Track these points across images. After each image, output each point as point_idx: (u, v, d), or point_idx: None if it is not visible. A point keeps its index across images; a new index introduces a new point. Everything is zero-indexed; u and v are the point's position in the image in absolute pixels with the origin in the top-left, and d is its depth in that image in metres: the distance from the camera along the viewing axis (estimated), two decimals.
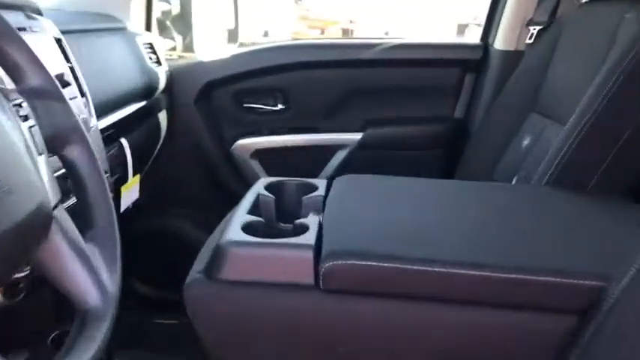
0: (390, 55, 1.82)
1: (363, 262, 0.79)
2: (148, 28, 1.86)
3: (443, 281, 0.79)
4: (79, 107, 1.09)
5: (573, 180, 1.18)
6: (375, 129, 1.84)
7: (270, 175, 1.88)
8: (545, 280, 0.78)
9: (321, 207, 1.03)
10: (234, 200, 1.91)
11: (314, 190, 1.10)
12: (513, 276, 0.78)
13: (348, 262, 0.79)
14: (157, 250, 1.90)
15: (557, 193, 1.11)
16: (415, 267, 0.78)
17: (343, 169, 1.85)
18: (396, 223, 0.91)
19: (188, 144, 1.84)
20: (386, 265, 0.78)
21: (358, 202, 1.01)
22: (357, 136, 1.84)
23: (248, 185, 1.90)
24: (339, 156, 1.86)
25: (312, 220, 0.93)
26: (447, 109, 1.89)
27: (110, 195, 0.66)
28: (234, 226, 0.89)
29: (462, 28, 6.61)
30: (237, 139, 1.86)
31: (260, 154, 1.87)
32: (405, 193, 1.08)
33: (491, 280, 0.78)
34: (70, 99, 1.07)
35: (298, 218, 1.06)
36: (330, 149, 1.86)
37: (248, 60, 1.84)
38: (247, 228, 0.90)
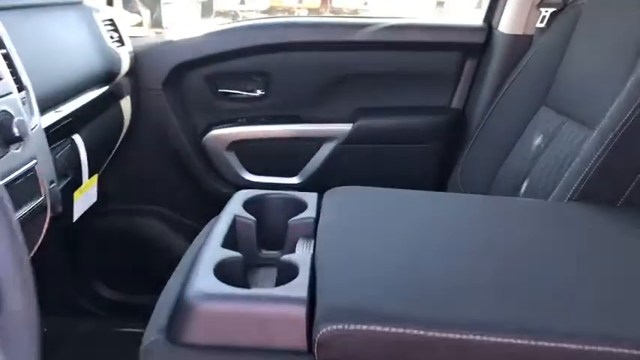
0: (382, 37, 1.63)
1: (370, 328, 0.61)
2: (110, 1, 1.63)
3: (473, 350, 0.62)
4: (15, 106, 0.89)
5: (602, 196, 1.01)
6: (366, 120, 1.66)
7: (247, 168, 1.70)
8: (601, 350, 0.61)
9: (312, 232, 0.85)
10: (207, 196, 1.73)
11: (302, 208, 0.91)
12: (560, 345, 0.62)
13: (351, 326, 0.61)
14: (123, 251, 1.73)
15: (590, 214, 0.94)
16: (437, 334, 0.61)
17: (329, 164, 1.67)
18: (406, 263, 0.73)
19: (155, 134, 1.64)
20: (400, 331, 0.61)
21: (356, 228, 0.83)
22: (346, 128, 1.66)
23: (223, 180, 1.74)
24: (325, 150, 1.68)
25: (301, 257, 0.75)
26: (444, 99, 1.72)
27: (27, 260, 0.47)
28: (204, 268, 0.71)
29: (441, 3, 6.54)
30: (211, 129, 1.68)
31: (236, 146, 1.68)
32: (410, 213, 0.90)
33: (531, 349, 0.62)
34: (3, 96, 0.88)
35: (283, 244, 0.89)
36: (315, 142, 1.68)
37: (224, 39, 1.63)
38: (221, 269, 0.72)
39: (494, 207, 0.96)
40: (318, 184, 1.71)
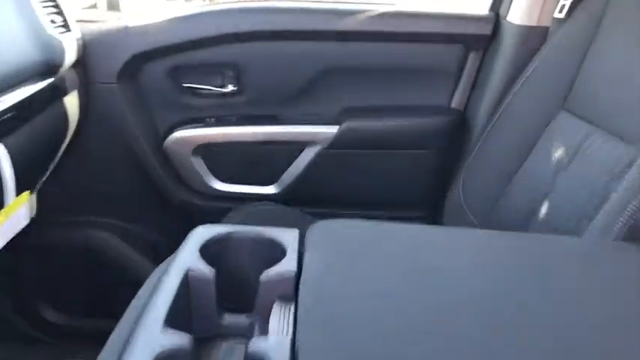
0: (373, 27, 1.41)
1: None
2: None
3: None
4: None
5: None
6: (354, 121, 1.45)
7: (215, 176, 1.49)
8: None
9: (291, 292, 0.64)
10: (170, 207, 1.50)
11: (279, 253, 0.70)
12: None
13: None
14: (74, 271, 1.52)
15: None
16: None
17: (311, 172, 1.46)
18: (419, 353, 0.52)
19: (108, 136, 1.42)
20: None
21: (350, 290, 0.62)
22: (331, 131, 1.44)
23: (188, 189, 1.51)
24: (307, 155, 1.46)
25: (276, 345, 0.53)
26: (442, 98, 1.51)
27: None
28: None
29: None
30: (174, 131, 1.46)
31: (204, 149, 1.47)
32: (417, 264, 0.68)
33: None
34: None
35: (253, 305, 0.67)
36: (295, 146, 1.47)
37: (190, 26, 1.40)
38: None
39: (525, 250, 0.75)
40: (298, 194, 1.50)
